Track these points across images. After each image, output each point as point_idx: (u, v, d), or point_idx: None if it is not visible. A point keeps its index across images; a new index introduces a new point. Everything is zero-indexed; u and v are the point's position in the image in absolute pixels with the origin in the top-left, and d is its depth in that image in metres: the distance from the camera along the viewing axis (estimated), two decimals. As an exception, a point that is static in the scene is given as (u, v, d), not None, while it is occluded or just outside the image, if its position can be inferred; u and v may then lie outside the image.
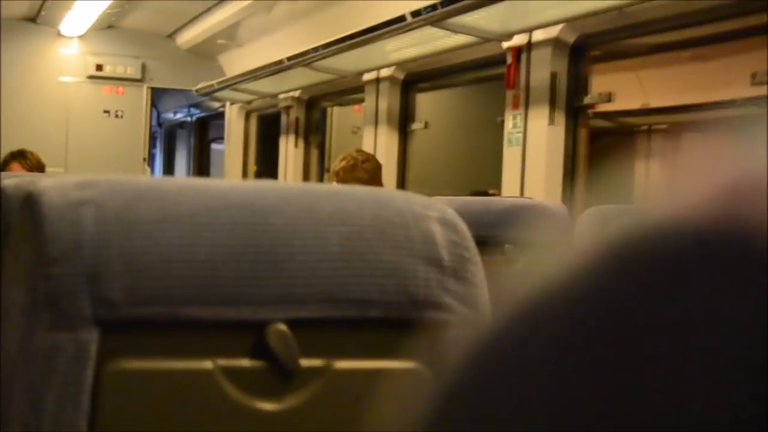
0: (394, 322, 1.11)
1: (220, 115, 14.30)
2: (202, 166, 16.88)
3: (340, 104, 10.95)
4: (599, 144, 8.05)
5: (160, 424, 1.03)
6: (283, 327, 1.05)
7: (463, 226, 1.17)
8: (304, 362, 1.07)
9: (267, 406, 1.06)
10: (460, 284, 1.13)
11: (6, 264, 1.16)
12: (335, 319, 1.09)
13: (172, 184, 1.09)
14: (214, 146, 16.94)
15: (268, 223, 1.08)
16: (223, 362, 1.05)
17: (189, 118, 17.30)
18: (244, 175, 12.96)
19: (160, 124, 18.75)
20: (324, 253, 1.08)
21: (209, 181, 1.14)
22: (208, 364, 1.04)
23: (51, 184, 1.05)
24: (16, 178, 2.32)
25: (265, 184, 1.15)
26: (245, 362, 1.05)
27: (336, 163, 5.18)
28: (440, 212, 1.16)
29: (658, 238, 0.32)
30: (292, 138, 10.83)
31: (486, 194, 6.95)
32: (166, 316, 1.02)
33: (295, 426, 1.07)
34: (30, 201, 1.04)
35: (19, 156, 6.53)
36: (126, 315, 1.01)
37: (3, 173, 3.01)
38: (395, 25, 6.25)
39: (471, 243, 1.16)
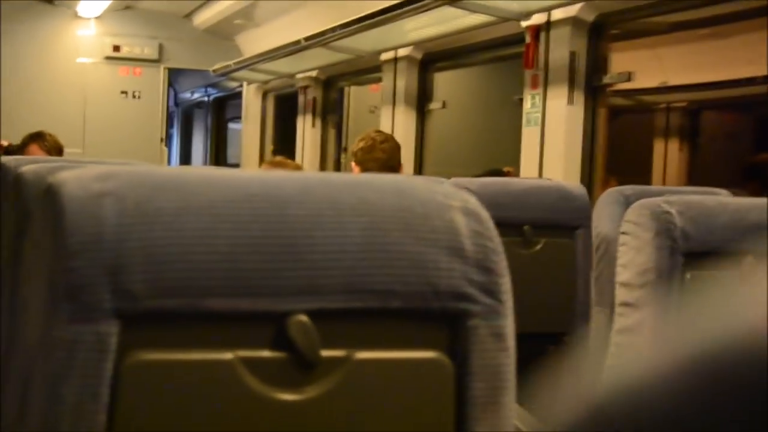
0: (415, 313, 1.11)
1: (238, 95, 14.32)
2: (219, 145, 16.92)
3: (358, 84, 10.93)
4: (617, 122, 8.03)
5: (180, 416, 1.03)
6: (304, 318, 1.05)
7: (486, 215, 1.16)
8: (325, 353, 1.06)
9: (288, 396, 1.05)
10: (483, 274, 1.12)
11: (26, 255, 1.16)
12: (356, 309, 1.08)
13: (193, 174, 1.09)
14: (232, 126, 16.97)
15: (289, 213, 1.07)
16: (243, 353, 1.04)
17: (206, 98, 17.32)
18: (261, 154, 12.97)
19: (177, 104, 18.78)
20: (345, 243, 1.07)
21: (229, 171, 1.14)
22: (228, 356, 1.04)
23: (71, 175, 1.05)
24: (34, 164, 2.33)
25: (286, 174, 1.14)
26: (266, 353, 1.05)
27: (354, 144, 5.16)
28: (463, 201, 1.16)
29: None
30: (309, 118, 10.83)
31: (501, 173, 6.94)
32: (187, 307, 1.02)
33: (316, 416, 1.07)
34: (50, 193, 1.04)
35: (38, 138, 6.54)
36: (146, 307, 1.00)
37: (22, 157, 3.01)
38: (414, 5, 6.22)
39: (494, 232, 1.15)
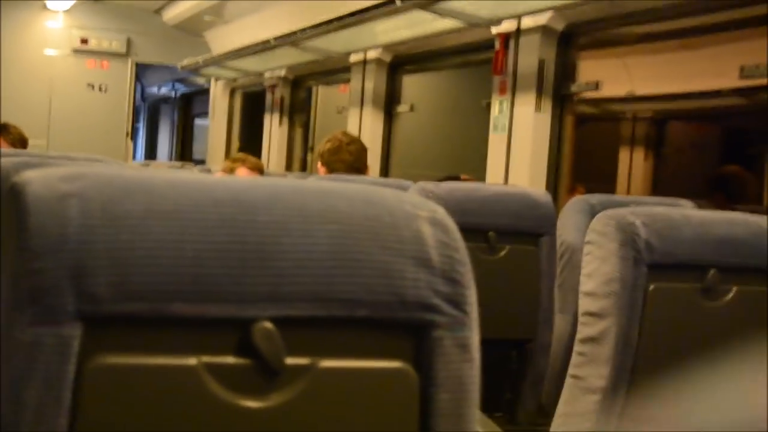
0: (381, 322, 1.10)
1: (205, 91, 14.29)
2: (185, 141, 16.88)
3: (326, 84, 10.93)
4: (584, 130, 8.05)
5: (143, 421, 1.02)
6: (269, 325, 1.04)
7: (453, 226, 1.16)
8: (290, 360, 1.06)
9: (252, 403, 1.05)
10: (448, 285, 1.12)
11: None
12: (322, 318, 1.08)
13: (160, 178, 1.08)
14: (198, 122, 16.93)
15: (257, 219, 1.06)
16: (207, 359, 1.03)
17: (173, 93, 17.26)
18: (228, 150, 12.96)
19: (144, 99, 18.71)
20: (313, 251, 1.07)
21: (197, 176, 1.13)
22: (192, 361, 1.03)
23: (36, 175, 1.04)
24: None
25: (254, 180, 1.14)
26: (230, 359, 1.04)
27: (321, 145, 5.16)
28: (431, 212, 1.15)
29: None
30: (276, 116, 10.81)
31: (458, 180, 6.95)
32: (151, 312, 1.01)
33: (280, 424, 1.06)
34: (14, 192, 1.02)
35: (3, 130, 6.49)
36: (110, 310, 1.00)
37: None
38: (385, 8, 6.22)
39: (461, 243, 1.15)
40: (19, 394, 0.99)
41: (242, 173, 5.99)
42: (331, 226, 1.09)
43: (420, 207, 1.16)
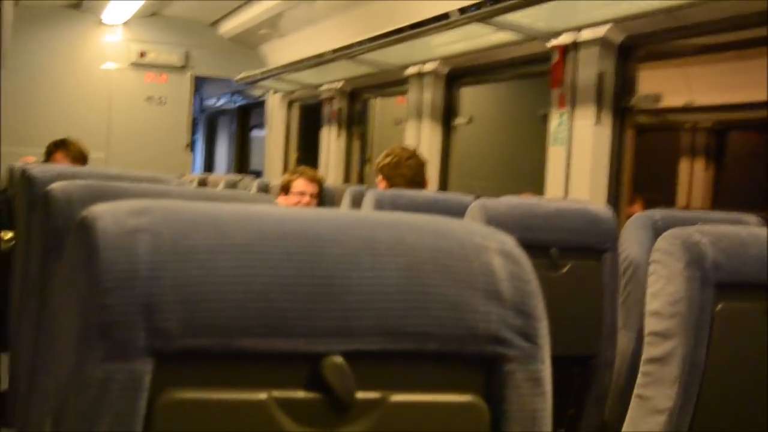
0: (452, 356, 1.09)
1: (262, 103, 14.35)
2: (243, 152, 16.96)
3: (383, 96, 10.94)
4: (643, 140, 8.00)
5: (213, 455, 1.01)
6: (339, 359, 1.03)
7: (524, 257, 1.14)
8: (360, 395, 1.04)
9: (321, 438, 1.04)
10: (520, 318, 1.11)
11: (58, 281, 1.15)
12: (392, 352, 1.07)
13: (227, 211, 1.07)
14: (255, 133, 17.00)
15: (326, 252, 1.05)
16: (278, 394, 1.03)
17: (231, 105, 17.36)
18: (285, 162, 13.00)
19: (201, 111, 18.83)
20: (382, 285, 1.06)
21: (265, 208, 1.12)
22: (262, 395, 1.02)
23: (105, 209, 1.04)
24: (62, 183, 2.33)
25: (323, 212, 1.13)
26: (300, 394, 1.03)
27: (380, 159, 5.16)
28: (500, 243, 1.14)
29: None
30: (333, 128, 10.84)
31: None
32: (221, 346, 1.01)
33: None
34: (84, 227, 1.02)
35: (62, 145, 6.56)
36: (180, 346, 0.99)
37: (48, 167, 3.01)
38: (441, 22, 6.21)
39: (532, 275, 1.14)
40: (89, 429, 0.98)
41: (301, 185, 6.01)
42: (400, 258, 1.08)
43: (489, 238, 1.14)
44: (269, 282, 1.02)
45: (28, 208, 2.70)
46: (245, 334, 1.01)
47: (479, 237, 1.14)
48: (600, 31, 5.69)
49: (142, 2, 11.72)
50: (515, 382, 1.11)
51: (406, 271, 1.07)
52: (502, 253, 1.13)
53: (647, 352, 2.42)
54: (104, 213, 1.03)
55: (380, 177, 5.07)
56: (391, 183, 4.98)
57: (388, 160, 5.06)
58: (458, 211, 3.48)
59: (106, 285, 0.98)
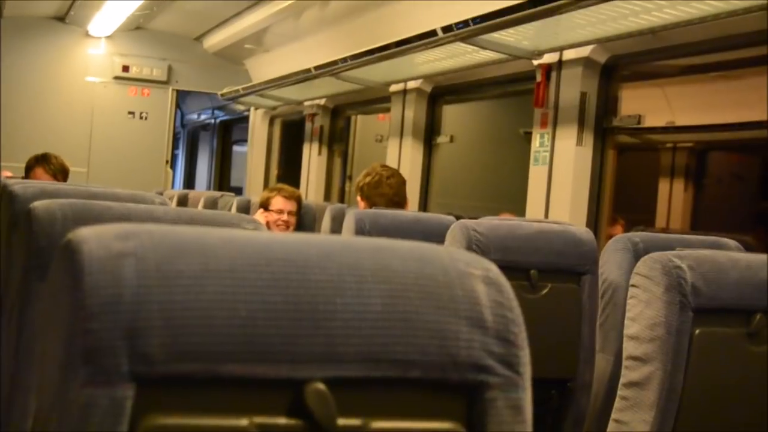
0: (434, 383, 1.09)
1: (244, 119, 14.35)
2: (223, 168, 16.93)
3: (365, 113, 10.95)
4: (622, 159, 8.02)
5: (194, 480, 1.01)
6: (321, 386, 1.03)
7: (507, 285, 1.15)
8: (342, 421, 1.05)
9: (303, 464, 1.04)
10: (502, 346, 1.11)
11: (42, 309, 1.15)
12: (375, 378, 1.07)
13: (213, 236, 1.08)
14: (237, 148, 16.99)
15: (311, 279, 1.06)
16: (259, 420, 1.03)
17: (213, 121, 17.34)
18: (266, 178, 12.99)
19: (183, 125, 18.80)
20: (366, 311, 1.06)
21: (251, 234, 1.12)
22: (244, 422, 1.02)
23: (91, 233, 1.04)
24: (45, 201, 2.32)
25: (308, 237, 1.13)
26: (282, 420, 1.03)
27: (360, 178, 5.17)
28: (484, 270, 1.15)
29: None
30: (315, 145, 10.85)
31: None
32: (204, 372, 1.01)
33: None
34: (69, 250, 1.02)
35: (43, 161, 6.54)
36: (163, 371, 0.99)
37: (29, 183, 3.00)
38: (426, 40, 6.23)
39: (515, 303, 1.14)
40: None
41: (279, 203, 6.02)
42: (384, 285, 1.08)
43: (473, 265, 1.15)
44: (254, 308, 1.02)
45: (9, 225, 2.68)
46: (228, 360, 1.01)
47: (463, 263, 1.14)
48: (584, 51, 5.71)
49: (127, 15, 11.71)
50: (496, 410, 1.11)
51: (390, 298, 1.08)
52: (485, 280, 1.13)
53: (625, 376, 2.43)
54: (90, 236, 1.03)
55: (360, 196, 5.07)
56: (371, 202, 4.98)
57: (368, 179, 5.06)
58: (439, 231, 3.49)
59: (91, 309, 0.98)
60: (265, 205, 6.05)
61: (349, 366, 1.05)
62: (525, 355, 1.14)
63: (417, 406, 1.10)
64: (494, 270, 1.16)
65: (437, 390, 1.10)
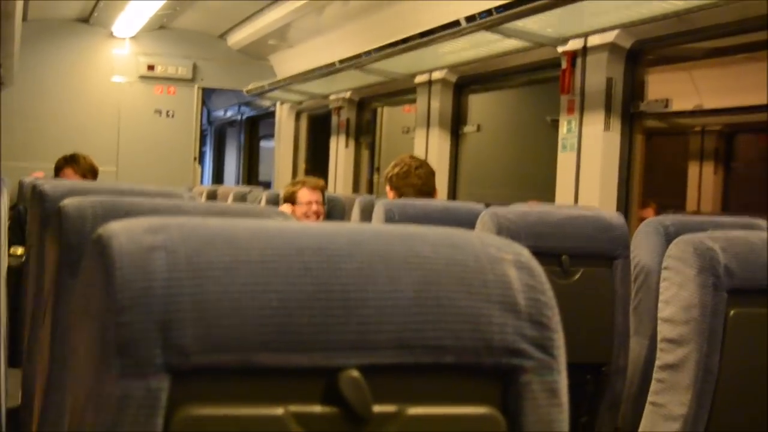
0: (468, 368, 1.09)
1: (271, 114, 14.36)
2: (251, 163, 16.96)
3: (391, 105, 10.95)
4: (652, 143, 7.99)
5: (230, 470, 1.01)
6: (355, 373, 1.03)
7: (539, 269, 1.14)
8: (377, 408, 1.04)
9: (339, 452, 1.04)
10: (535, 329, 1.11)
11: (75, 304, 1.16)
12: (408, 364, 1.06)
13: (242, 227, 1.08)
14: (264, 144, 17.01)
15: (341, 267, 1.05)
16: (294, 408, 1.02)
17: (239, 117, 17.36)
18: (294, 172, 13.00)
19: (210, 122, 18.84)
20: (397, 298, 1.06)
21: (280, 224, 1.12)
22: (279, 411, 1.02)
23: (121, 227, 1.04)
24: (76, 198, 2.33)
25: (338, 226, 1.13)
26: (317, 408, 1.03)
27: (389, 169, 5.16)
28: (516, 254, 1.14)
29: None
30: (342, 138, 10.85)
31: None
32: (238, 363, 1.01)
33: None
34: (100, 245, 1.03)
35: (72, 161, 6.57)
36: (197, 362, 0.99)
37: (59, 183, 3.02)
38: (449, 30, 6.21)
39: (547, 286, 1.13)
40: None
41: (306, 195, 6.03)
42: (416, 272, 1.08)
43: (505, 250, 1.14)
44: (285, 297, 1.02)
45: (41, 224, 2.70)
46: (262, 350, 1.01)
47: (494, 248, 1.14)
48: (608, 37, 5.69)
49: (150, 15, 11.74)
50: (532, 394, 1.11)
51: (421, 284, 1.07)
52: (517, 264, 1.13)
53: (660, 358, 2.42)
54: (120, 231, 1.03)
55: (389, 187, 5.07)
56: (400, 193, 4.98)
57: (396, 170, 5.06)
58: (469, 220, 3.48)
59: (123, 303, 0.98)
60: (291, 200, 6.05)
61: (382, 353, 1.05)
62: (559, 338, 1.13)
63: (451, 392, 1.09)
64: (526, 254, 1.15)
65: (472, 375, 1.10)
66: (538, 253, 1.19)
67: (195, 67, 13.09)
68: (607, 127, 5.73)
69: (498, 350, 1.09)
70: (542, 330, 1.11)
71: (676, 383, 2.38)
